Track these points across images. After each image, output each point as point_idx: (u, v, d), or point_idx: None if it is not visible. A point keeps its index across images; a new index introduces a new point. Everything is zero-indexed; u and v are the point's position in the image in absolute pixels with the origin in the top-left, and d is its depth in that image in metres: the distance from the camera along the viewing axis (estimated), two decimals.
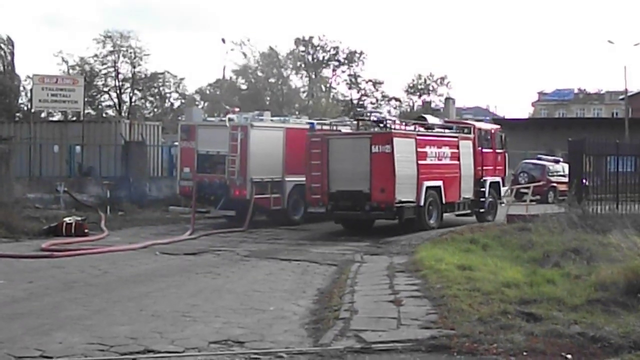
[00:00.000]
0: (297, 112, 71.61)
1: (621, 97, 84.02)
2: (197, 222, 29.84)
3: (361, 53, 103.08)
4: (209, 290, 16.51)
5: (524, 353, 10.46)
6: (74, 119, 46.61)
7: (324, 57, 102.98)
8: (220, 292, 16.27)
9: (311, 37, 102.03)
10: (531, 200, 33.71)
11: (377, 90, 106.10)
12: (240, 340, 11.79)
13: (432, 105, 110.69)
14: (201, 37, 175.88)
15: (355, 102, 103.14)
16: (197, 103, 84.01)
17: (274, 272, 19.21)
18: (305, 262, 20.76)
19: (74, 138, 39.04)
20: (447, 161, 29.12)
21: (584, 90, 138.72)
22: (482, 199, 30.93)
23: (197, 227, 28.82)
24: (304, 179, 28.94)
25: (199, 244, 24.86)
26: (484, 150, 31.80)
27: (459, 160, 29.66)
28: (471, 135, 31.25)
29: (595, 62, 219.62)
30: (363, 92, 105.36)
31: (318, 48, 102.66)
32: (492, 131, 33.58)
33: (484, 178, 31.27)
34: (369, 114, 31.14)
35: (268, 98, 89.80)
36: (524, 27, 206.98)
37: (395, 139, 26.52)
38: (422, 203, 27.35)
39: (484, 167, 31.41)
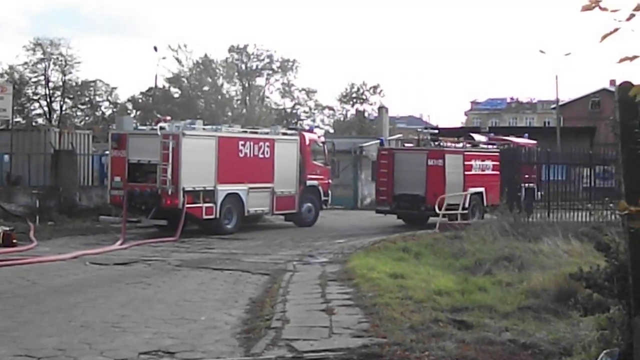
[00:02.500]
0: (230, 121, 71.35)
1: (553, 106, 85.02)
2: (128, 232, 29.39)
3: (294, 61, 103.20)
4: (139, 300, 16.29)
5: None
6: (2, 127, 45.83)
7: (257, 65, 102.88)
8: (150, 302, 16.08)
9: (246, 46, 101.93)
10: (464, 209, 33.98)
11: (310, 99, 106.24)
12: (170, 350, 11.66)
13: (366, 114, 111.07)
14: (134, 45, 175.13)
15: (288, 111, 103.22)
16: (129, 111, 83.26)
17: (205, 281, 19.03)
18: (238, 272, 20.58)
19: (2, 147, 38.23)
20: (489, 171, 33.89)
21: (517, 99, 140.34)
22: None
23: (128, 237, 28.39)
24: (236, 187, 31.16)
25: (129, 254, 24.53)
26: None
27: (499, 170, 33.89)
28: None
29: (527, 72, 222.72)
30: (296, 101, 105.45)
31: (252, 56, 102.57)
32: (529, 146, 37.78)
33: (521, 184, 34.81)
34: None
35: (202, 106, 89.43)
36: (456, 36, 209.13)
37: (446, 155, 32.79)
38: (467, 205, 32.11)
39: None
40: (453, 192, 31.83)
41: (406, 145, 36.62)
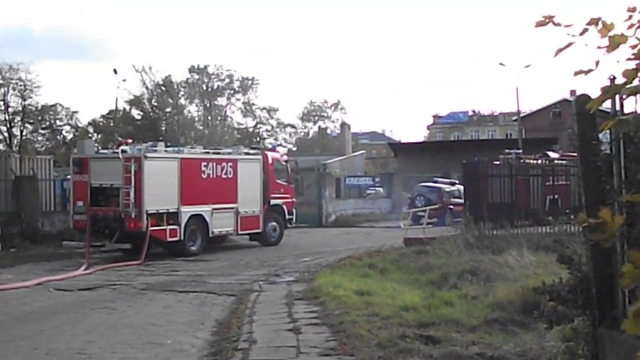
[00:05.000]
0: (192, 142, 71.17)
1: (514, 118, 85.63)
2: (92, 257, 29.21)
3: (253, 79, 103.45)
4: (104, 325, 16.16)
5: None
6: None
7: (218, 85, 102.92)
8: (116, 327, 15.95)
9: (206, 66, 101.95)
10: (428, 223, 34.11)
11: (272, 117, 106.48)
12: None
13: (328, 131, 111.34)
14: (91, 69, 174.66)
15: (250, 130, 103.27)
16: (90, 135, 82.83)
17: (171, 304, 18.93)
18: (203, 294, 20.50)
19: None
20: (562, 182, 36.94)
21: (478, 112, 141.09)
22: None
23: (92, 262, 28.19)
24: (200, 209, 31.16)
25: (94, 279, 24.35)
26: None
27: (568, 180, 36.83)
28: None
29: (488, 85, 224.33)
30: (258, 119, 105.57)
31: (213, 76, 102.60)
32: None
33: (547, 195, 37.81)
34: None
35: (163, 128, 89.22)
36: (417, 51, 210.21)
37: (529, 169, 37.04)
38: (547, 209, 34.54)
39: None
40: (536, 200, 35.00)
41: (495, 163, 39.84)
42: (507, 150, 40.42)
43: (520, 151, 41.25)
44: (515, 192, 34.35)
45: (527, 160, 38.27)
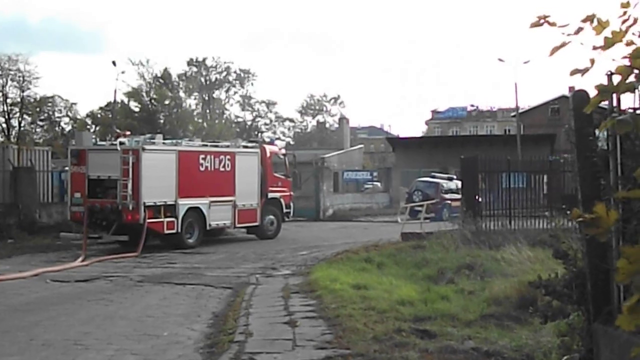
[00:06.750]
0: (191, 135, 71.21)
1: (513, 114, 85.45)
2: (89, 248, 29.26)
3: (248, 71, 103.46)
4: (101, 317, 16.17)
5: None
6: None
7: (216, 78, 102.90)
8: (112, 318, 15.97)
9: (205, 59, 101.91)
10: (425, 218, 34.17)
11: (270, 111, 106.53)
12: None
13: (327, 125, 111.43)
14: (89, 61, 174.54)
15: (249, 123, 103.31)
16: (88, 127, 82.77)
17: (168, 296, 18.94)
18: (200, 286, 20.52)
19: None
20: None
21: (477, 107, 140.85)
22: None
23: (89, 253, 28.23)
24: (197, 201, 31.19)
25: (91, 271, 24.37)
26: None
27: None
28: None
29: (486, 80, 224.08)
30: (257, 113, 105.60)
31: (211, 69, 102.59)
32: None
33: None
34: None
35: (162, 120, 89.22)
36: (416, 45, 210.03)
37: None
38: None
39: None
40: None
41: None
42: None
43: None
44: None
45: None
